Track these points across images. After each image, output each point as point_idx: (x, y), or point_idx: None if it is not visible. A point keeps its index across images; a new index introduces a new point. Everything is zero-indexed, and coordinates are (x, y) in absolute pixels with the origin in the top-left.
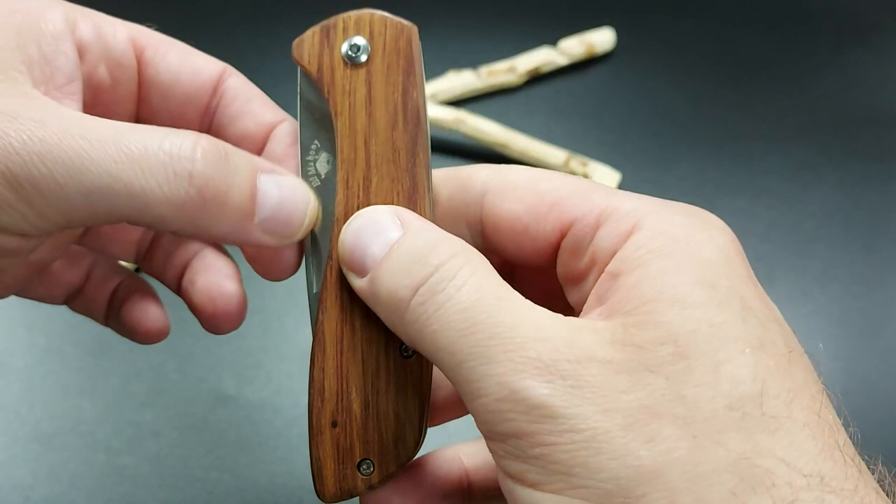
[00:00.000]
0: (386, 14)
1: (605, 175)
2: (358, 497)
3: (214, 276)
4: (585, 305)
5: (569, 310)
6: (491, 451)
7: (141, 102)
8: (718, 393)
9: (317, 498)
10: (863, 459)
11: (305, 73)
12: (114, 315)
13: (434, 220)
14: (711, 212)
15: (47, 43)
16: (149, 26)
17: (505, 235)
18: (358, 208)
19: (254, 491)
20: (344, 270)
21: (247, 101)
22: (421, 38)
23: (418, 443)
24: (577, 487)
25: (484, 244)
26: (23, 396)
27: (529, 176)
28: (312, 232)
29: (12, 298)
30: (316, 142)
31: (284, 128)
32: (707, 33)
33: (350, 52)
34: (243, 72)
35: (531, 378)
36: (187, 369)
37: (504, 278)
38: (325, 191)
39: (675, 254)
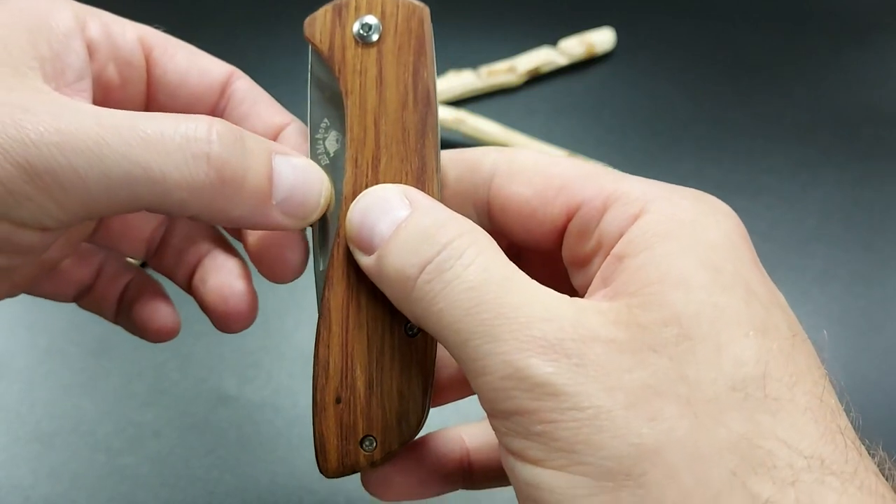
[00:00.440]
0: None
1: None
2: (360, 473)
3: (226, 275)
4: (590, 287)
5: (573, 293)
6: (494, 428)
7: (149, 102)
8: (721, 374)
9: (316, 498)
10: (864, 445)
11: (317, 52)
12: (124, 313)
13: (442, 201)
14: None
15: (57, 41)
16: (156, 27)
17: (512, 218)
18: (366, 187)
19: (254, 491)
20: (351, 248)
21: (254, 103)
22: None
23: (421, 421)
24: (579, 464)
25: (491, 226)
26: (23, 396)
27: (538, 159)
28: None
29: (12, 298)
30: (326, 120)
31: (292, 129)
32: (707, 33)
33: (362, 31)
34: (244, 71)
35: (535, 356)
36: (188, 369)
37: (510, 260)
38: (333, 169)
39: (681, 237)
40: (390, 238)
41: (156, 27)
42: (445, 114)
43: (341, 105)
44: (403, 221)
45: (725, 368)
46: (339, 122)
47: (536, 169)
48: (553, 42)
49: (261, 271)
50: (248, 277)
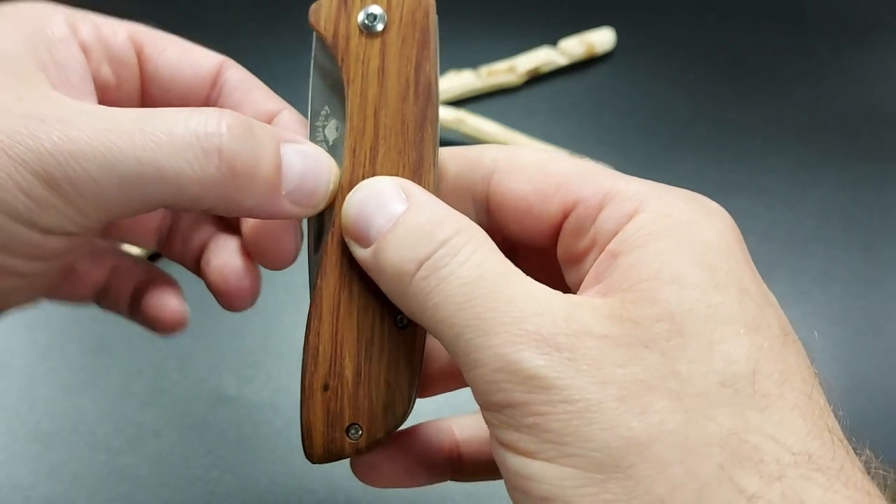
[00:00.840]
0: None
1: None
2: (349, 461)
3: (226, 254)
4: (583, 284)
5: (567, 291)
6: (486, 420)
7: (144, 98)
8: (711, 370)
9: (316, 498)
10: (851, 445)
11: (320, 39)
12: (136, 309)
13: (438, 195)
14: None
15: (56, 48)
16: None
17: (509, 214)
18: (363, 178)
19: (254, 491)
20: (346, 239)
21: (247, 91)
22: None
23: (406, 411)
24: (569, 456)
25: (488, 222)
26: (23, 396)
27: (538, 157)
28: None
29: None
30: (327, 107)
31: (286, 115)
32: (707, 33)
33: (366, 21)
34: None
35: (528, 350)
36: (188, 369)
37: (505, 257)
38: (332, 157)
39: (676, 236)
40: (388, 233)
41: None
42: (445, 114)
43: (342, 93)
44: (401, 216)
45: (716, 365)
46: (340, 111)
47: (536, 166)
48: (553, 42)
49: (256, 259)
50: (248, 255)
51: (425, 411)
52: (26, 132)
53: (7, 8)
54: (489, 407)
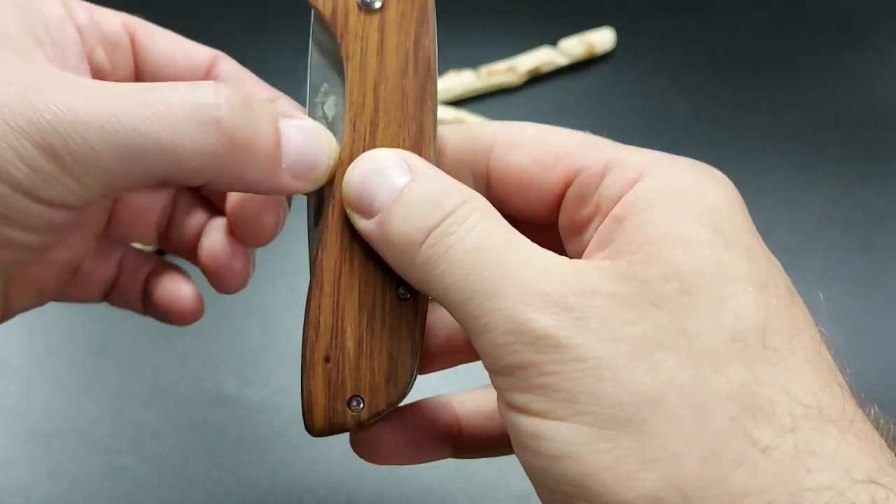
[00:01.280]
0: None
1: None
2: (349, 439)
3: (215, 234)
4: (587, 251)
5: None
6: (496, 386)
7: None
8: (721, 326)
9: (316, 498)
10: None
11: (319, 16)
12: (148, 302)
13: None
14: None
15: (53, 27)
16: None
17: (511, 187)
18: (364, 151)
19: (254, 491)
20: (348, 211)
21: (241, 82)
22: None
23: (409, 384)
24: (581, 414)
25: (489, 197)
26: (22, 396)
27: (539, 129)
28: None
29: None
30: (325, 84)
31: (282, 103)
32: (707, 33)
33: None
34: None
35: (537, 311)
36: (187, 369)
37: None
38: (331, 132)
39: (681, 199)
40: (393, 203)
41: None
42: (445, 114)
43: (341, 70)
44: (406, 187)
45: (725, 321)
46: (339, 87)
47: (537, 138)
48: (553, 42)
49: (237, 235)
50: (234, 235)
51: (423, 392)
52: (26, 103)
53: None
54: (500, 371)
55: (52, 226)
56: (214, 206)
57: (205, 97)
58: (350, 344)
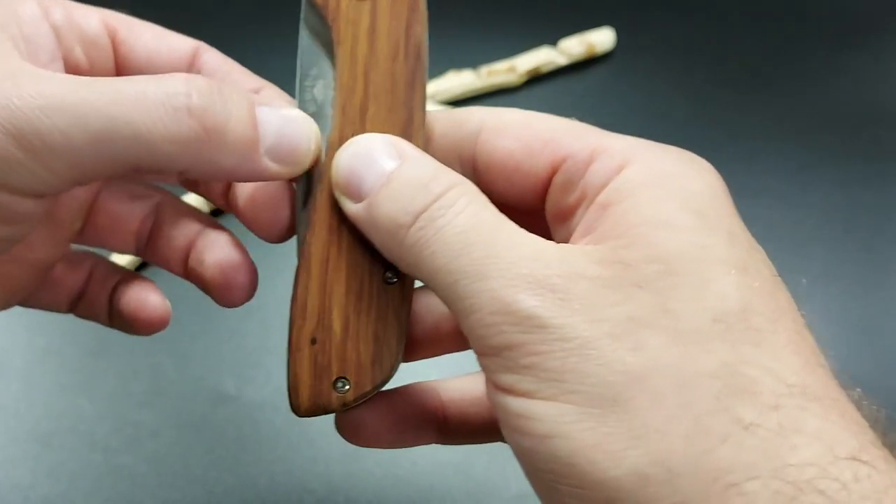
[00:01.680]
0: None
1: None
2: (334, 421)
3: (221, 249)
4: (573, 237)
5: None
6: (484, 367)
7: None
8: (704, 307)
9: (316, 498)
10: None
11: (310, 1)
12: (114, 311)
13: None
14: None
15: (26, 25)
16: (120, 11)
17: (497, 173)
18: (353, 135)
19: (253, 490)
20: (337, 195)
21: (227, 73)
22: None
23: (394, 366)
24: (568, 393)
25: (476, 182)
26: (22, 396)
27: (525, 115)
28: None
29: None
30: (315, 68)
31: (268, 91)
32: (707, 33)
33: None
34: None
35: (523, 292)
36: (186, 368)
37: None
38: (320, 117)
39: (665, 185)
40: (382, 187)
41: (119, 10)
42: None
43: (332, 54)
44: (394, 171)
45: (708, 302)
46: (329, 71)
47: (523, 123)
48: (553, 42)
49: (253, 229)
50: (242, 248)
51: (409, 379)
52: None
53: None
54: (487, 352)
55: (18, 216)
56: (206, 217)
57: (175, 87)
58: (337, 326)
